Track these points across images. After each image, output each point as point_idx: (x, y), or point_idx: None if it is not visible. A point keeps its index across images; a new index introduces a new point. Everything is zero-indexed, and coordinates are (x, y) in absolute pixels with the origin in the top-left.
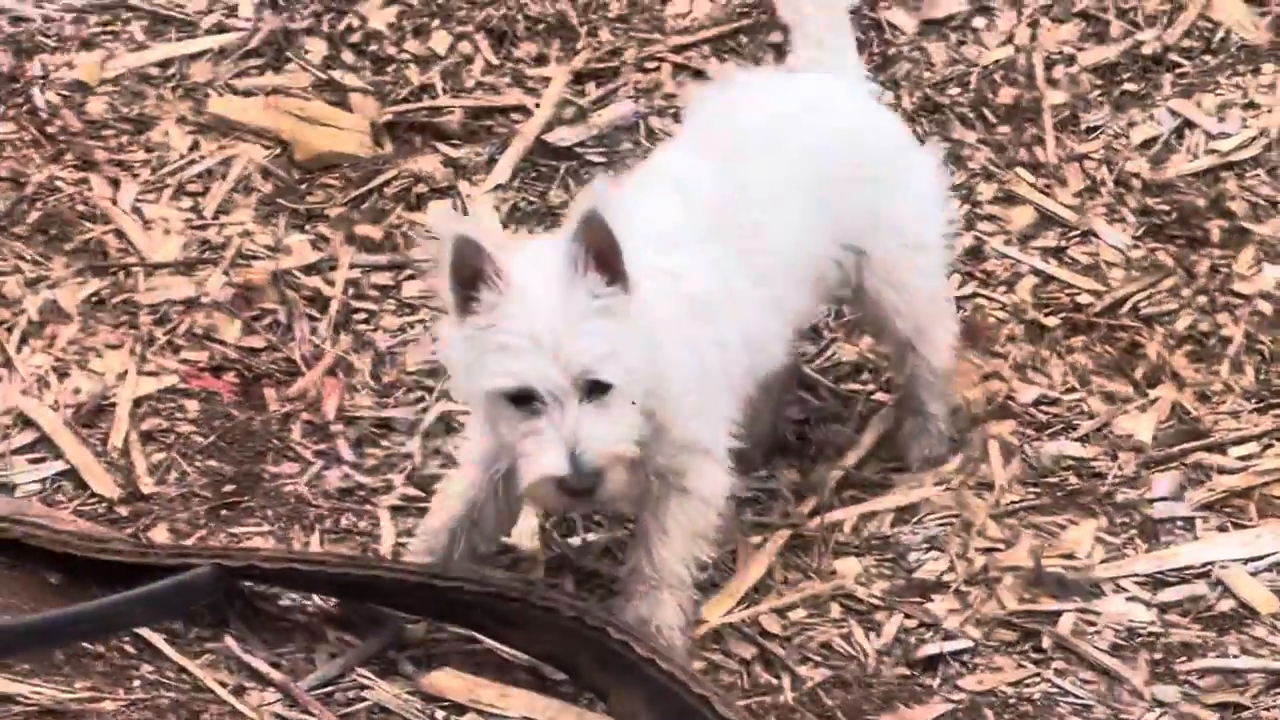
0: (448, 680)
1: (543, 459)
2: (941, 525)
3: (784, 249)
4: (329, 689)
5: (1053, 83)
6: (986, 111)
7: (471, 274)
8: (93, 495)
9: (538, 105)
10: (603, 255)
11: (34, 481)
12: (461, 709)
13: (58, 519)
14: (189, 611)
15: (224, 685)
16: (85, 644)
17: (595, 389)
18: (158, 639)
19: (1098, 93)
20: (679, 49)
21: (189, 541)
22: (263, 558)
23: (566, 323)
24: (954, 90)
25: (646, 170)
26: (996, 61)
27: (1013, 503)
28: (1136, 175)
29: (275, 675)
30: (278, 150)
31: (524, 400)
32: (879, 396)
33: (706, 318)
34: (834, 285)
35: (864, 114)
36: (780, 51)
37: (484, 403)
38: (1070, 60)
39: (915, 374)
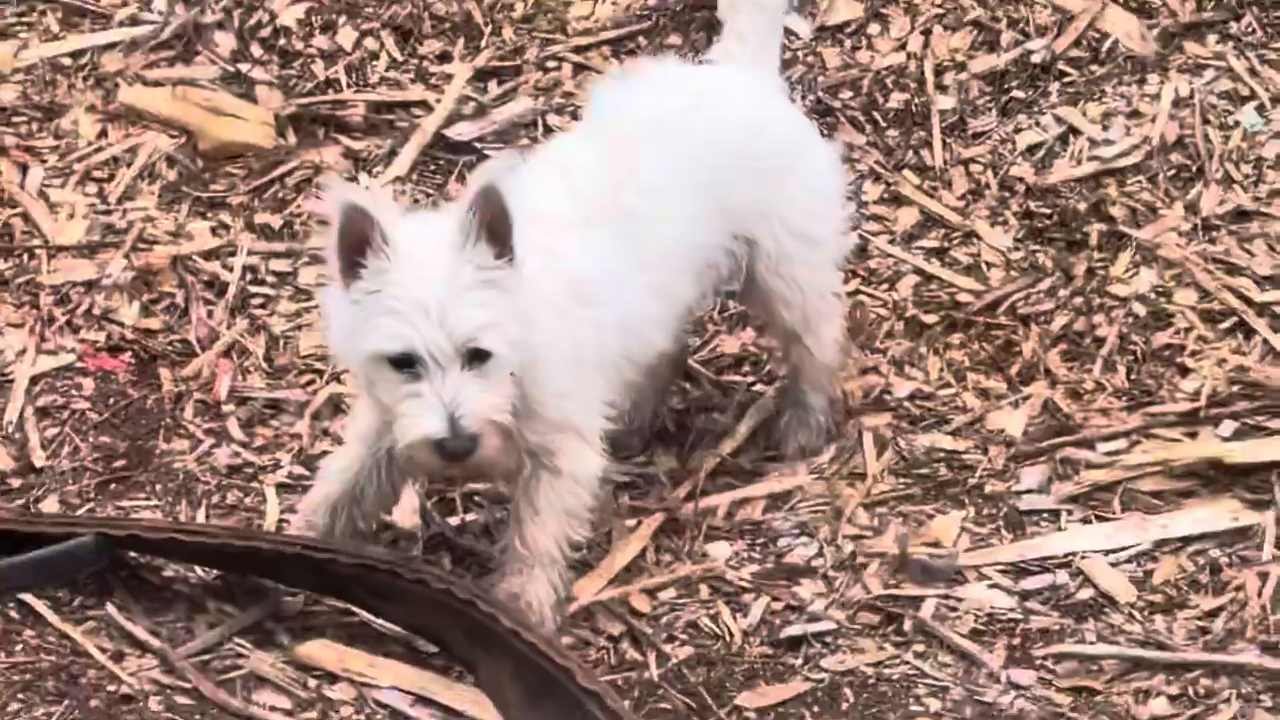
0: (320, 650)
1: (421, 421)
2: (813, 512)
3: (668, 236)
4: (206, 657)
5: (942, 89)
6: (876, 115)
7: (359, 240)
8: None
9: (439, 101)
10: (494, 228)
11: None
12: (333, 678)
13: None
14: (73, 579)
15: (103, 651)
16: None
17: (476, 357)
18: (41, 605)
19: (986, 99)
20: (580, 49)
21: (77, 513)
22: (145, 527)
23: (452, 290)
24: (846, 94)
25: (538, 157)
26: (888, 67)
27: (884, 492)
28: (1020, 180)
29: (154, 642)
30: (183, 139)
31: (405, 364)
32: (759, 388)
33: (584, 299)
34: (725, 275)
35: (761, 106)
36: (681, 53)
37: (365, 366)
38: (961, 67)
39: (799, 366)
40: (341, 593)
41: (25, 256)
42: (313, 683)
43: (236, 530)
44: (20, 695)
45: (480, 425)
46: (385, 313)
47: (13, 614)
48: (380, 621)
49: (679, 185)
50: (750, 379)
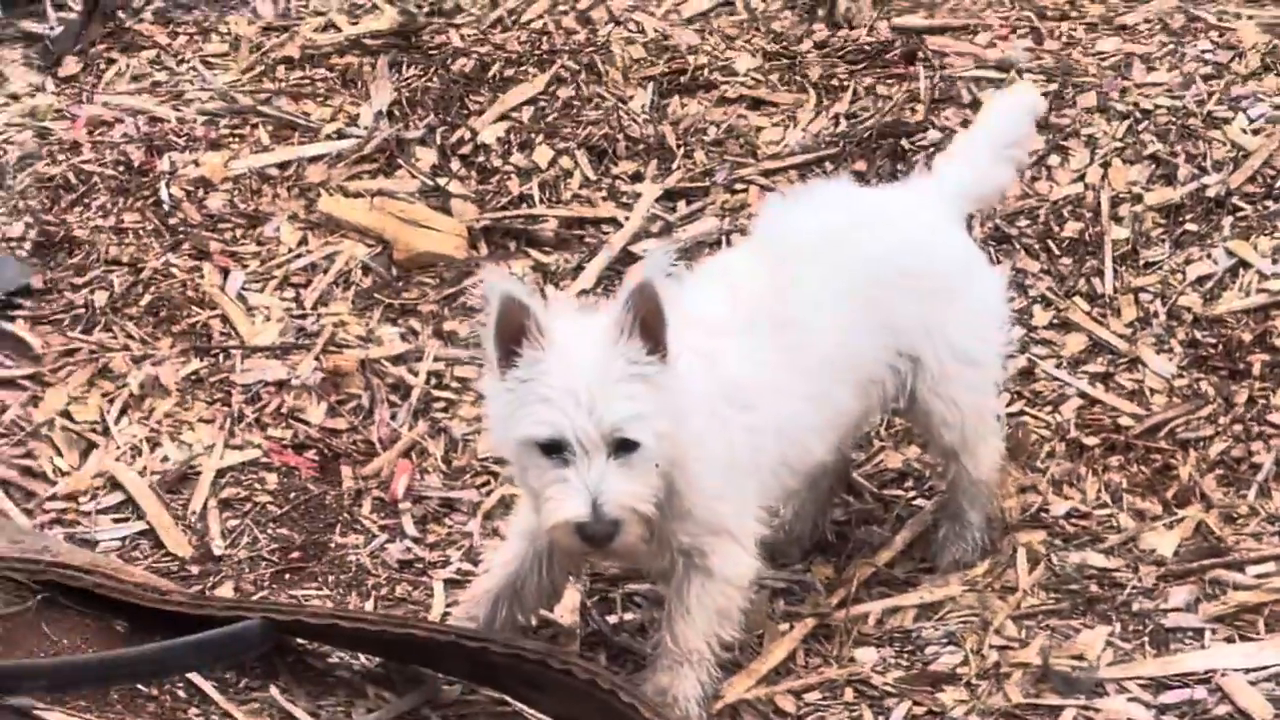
0: None
1: (565, 504)
2: (962, 623)
3: (827, 346)
4: None
5: (1117, 219)
6: (1051, 243)
7: (516, 330)
8: (167, 554)
9: (628, 218)
10: (648, 324)
11: (114, 539)
12: None
13: (127, 572)
14: (238, 661)
15: None
16: (140, 686)
17: (622, 447)
18: (207, 686)
19: (1160, 231)
20: (767, 173)
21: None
22: (308, 613)
23: (603, 381)
24: (1023, 222)
25: (703, 266)
26: (1066, 197)
27: (1033, 606)
28: (1188, 309)
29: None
30: (379, 249)
31: (555, 450)
32: (919, 502)
33: (740, 403)
34: (891, 392)
35: (929, 227)
36: (865, 179)
37: (517, 452)
38: (1137, 199)
39: (957, 482)
40: (493, 681)
41: (221, 356)
42: None
43: (394, 619)
44: None
45: (621, 511)
46: (537, 400)
47: (180, 693)
48: (531, 711)
49: (840, 297)
50: (911, 494)
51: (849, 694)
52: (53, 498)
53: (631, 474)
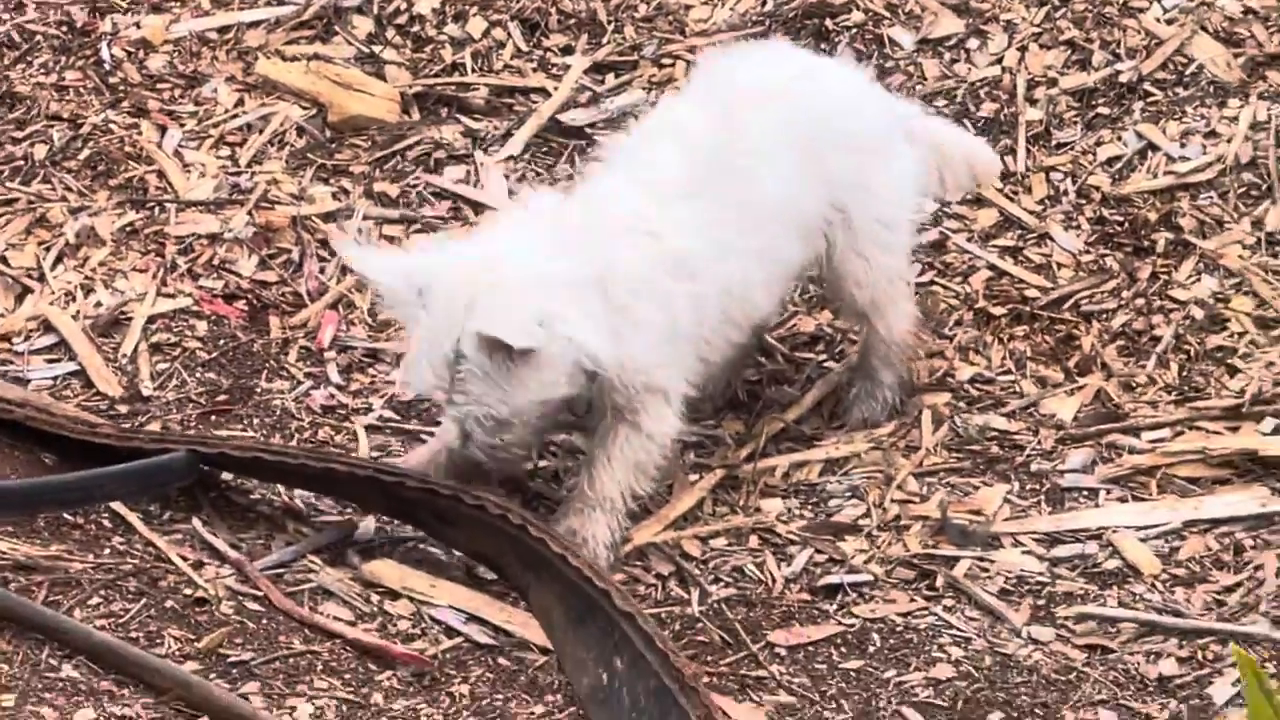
0: (385, 569)
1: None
2: (866, 478)
3: (774, 198)
4: (280, 570)
5: (1032, 101)
6: (967, 123)
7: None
8: (97, 394)
9: (557, 88)
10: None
11: (46, 378)
12: (395, 595)
13: (59, 408)
14: (164, 493)
15: (184, 559)
16: (65, 515)
17: None
18: (133, 517)
19: (1073, 114)
20: (694, 49)
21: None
22: (234, 446)
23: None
24: (941, 102)
25: (650, 120)
26: (983, 79)
27: (935, 464)
28: (1097, 188)
29: (232, 554)
30: (314, 111)
31: None
32: (829, 365)
33: (683, 275)
34: (825, 245)
35: (862, 90)
36: None
37: None
38: (1052, 83)
39: (870, 343)
40: (408, 516)
41: (156, 209)
42: (375, 598)
43: (316, 453)
44: (102, 592)
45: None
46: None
47: (104, 521)
48: (443, 551)
49: (783, 147)
50: (823, 357)
51: (754, 541)
52: None
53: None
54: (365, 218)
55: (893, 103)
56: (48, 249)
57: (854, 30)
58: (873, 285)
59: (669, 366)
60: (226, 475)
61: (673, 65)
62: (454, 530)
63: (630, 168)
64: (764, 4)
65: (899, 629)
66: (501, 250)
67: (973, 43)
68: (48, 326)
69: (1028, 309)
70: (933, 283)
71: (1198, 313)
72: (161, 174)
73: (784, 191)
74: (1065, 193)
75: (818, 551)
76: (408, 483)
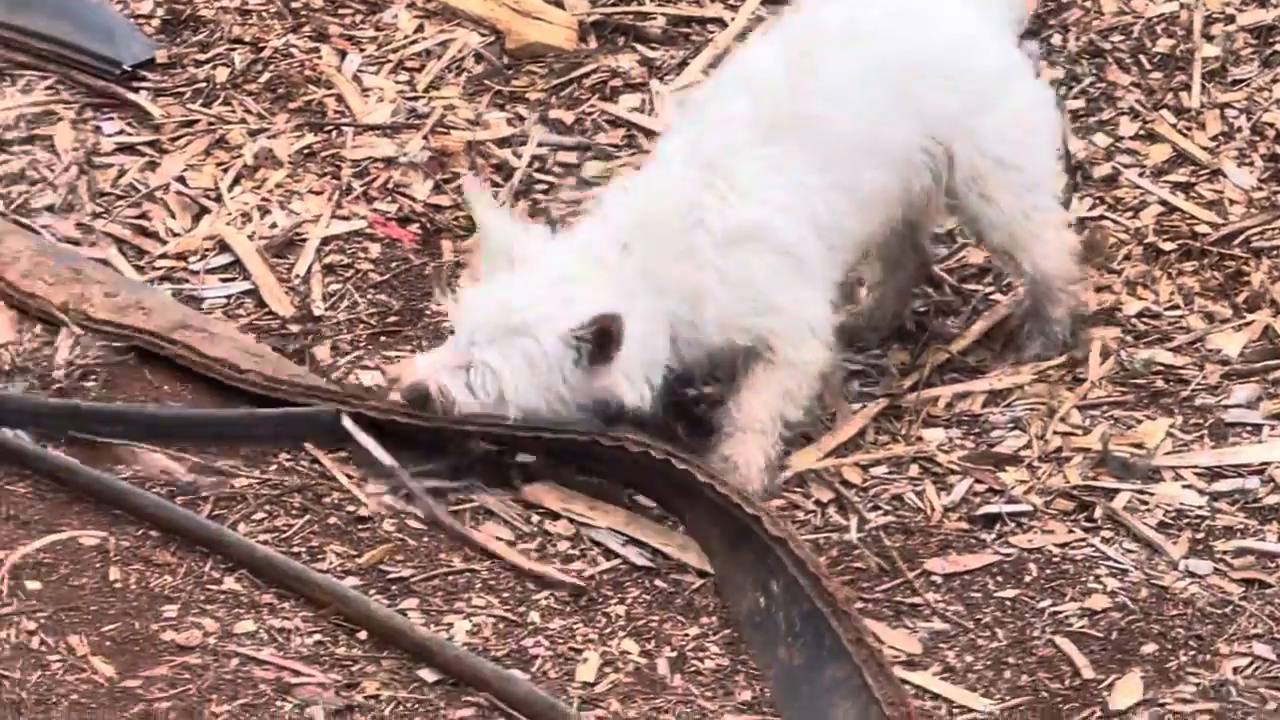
0: (545, 492)
1: None
2: (1028, 409)
3: (851, 132)
4: (442, 488)
5: (1209, 38)
6: (1143, 58)
7: None
8: (269, 313)
9: (733, 18)
10: None
11: (219, 296)
12: (555, 516)
13: (210, 345)
14: (304, 440)
15: (349, 477)
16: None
17: None
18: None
19: (1249, 50)
20: None
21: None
22: (370, 407)
23: None
24: (1117, 37)
25: (726, 69)
26: (1160, 15)
27: (1099, 397)
28: (1271, 125)
29: (396, 473)
30: (492, 38)
31: None
32: (996, 297)
33: (768, 239)
34: (931, 175)
35: (968, 33)
36: None
37: None
38: (1230, 20)
39: (1033, 280)
40: (555, 458)
41: (333, 133)
42: (536, 518)
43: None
44: (266, 507)
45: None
46: None
47: None
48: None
49: (864, 86)
50: (989, 289)
51: (914, 470)
52: (164, 256)
53: None
54: (540, 144)
55: (1006, 44)
56: (226, 170)
57: None
58: (1006, 226)
59: (787, 306)
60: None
61: None
62: (599, 467)
63: (703, 125)
64: None
65: (1056, 559)
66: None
67: None
68: (223, 246)
69: (1197, 245)
70: (1103, 217)
71: None
72: (340, 98)
73: (863, 127)
74: (1239, 129)
75: (977, 481)
76: (544, 435)
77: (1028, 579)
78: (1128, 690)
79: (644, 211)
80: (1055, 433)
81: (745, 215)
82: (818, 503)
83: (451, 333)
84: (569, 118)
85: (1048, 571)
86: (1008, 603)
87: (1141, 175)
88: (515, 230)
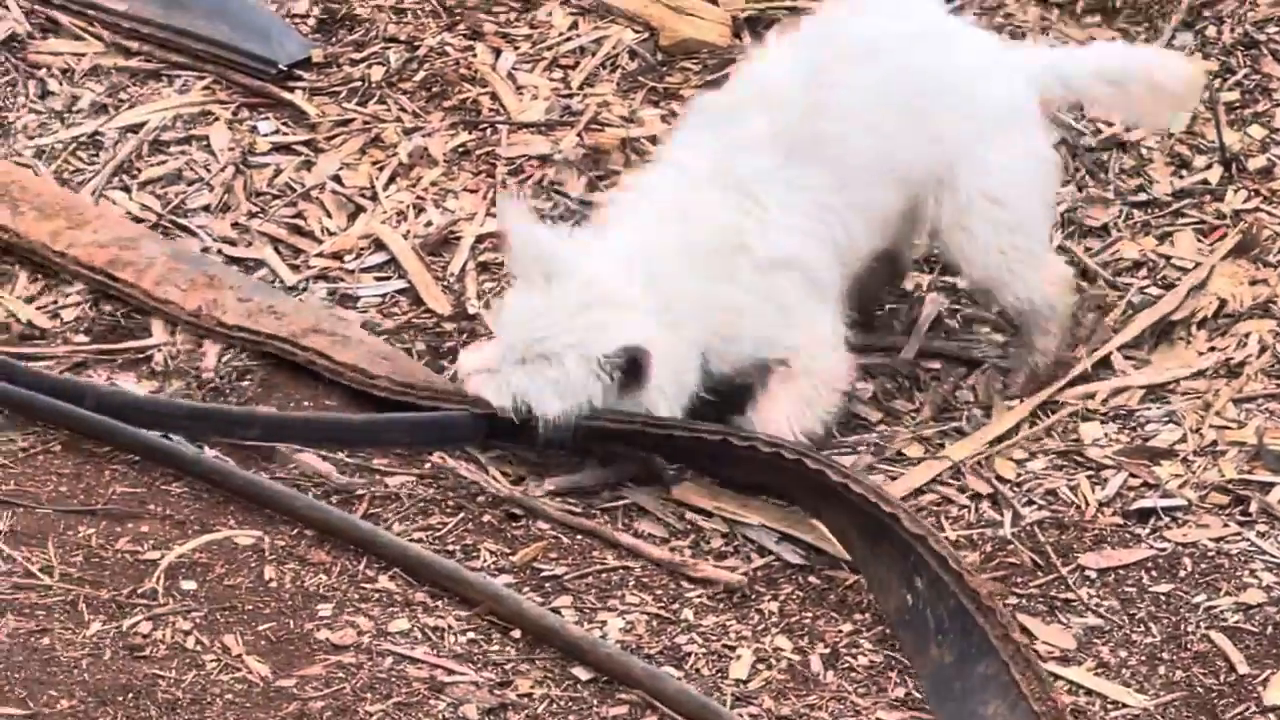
0: (696, 492)
1: None
2: (1185, 403)
3: (866, 152)
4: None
5: None
6: None
7: None
8: (425, 310)
9: None
10: None
11: (375, 295)
12: (707, 514)
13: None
14: (445, 444)
15: (505, 475)
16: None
17: None
18: None
19: None
20: None
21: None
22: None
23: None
24: (1272, 29)
25: (741, 79)
26: None
27: (1255, 391)
28: None
29: (550, 473)
30: (646, 35)
31: None
32: (1151, 290)
33: (779, 263)
34: (924, 192)
35: (987, 68)
36: None
37: None
38: None
39: (1019, 312)
40: (687, 460)
41: (488, 130)
42: (689, 516)
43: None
44: (420, 505)
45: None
46: None
47: None
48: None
49: (879, 103)
50: (1145, 282)
51: (1069, 464)
52: (319, 255)
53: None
54: None
55: (1021, 91)
56: (381, 168)
57: None
58: (985, 263)
59: (805, 322)
60: None
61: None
62: (732, 469)
63: (727, 144)
64: None
65: (1211, 554)
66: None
67: None
68: (379, 244)
69: None
70: (1258, 209)
71: None
72: (494, 96)
73: (877, 145)
74: None
75: (1132, 475)
76: (676, 433)
77: (1182, 574)
78: None
79: (683, 235)
80: (1210, 426)
81: (783, 242)
82: (972, 497)
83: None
84: None
85: (1202, 566)
86: (1162, 598)
87: None
88: (550, 240)
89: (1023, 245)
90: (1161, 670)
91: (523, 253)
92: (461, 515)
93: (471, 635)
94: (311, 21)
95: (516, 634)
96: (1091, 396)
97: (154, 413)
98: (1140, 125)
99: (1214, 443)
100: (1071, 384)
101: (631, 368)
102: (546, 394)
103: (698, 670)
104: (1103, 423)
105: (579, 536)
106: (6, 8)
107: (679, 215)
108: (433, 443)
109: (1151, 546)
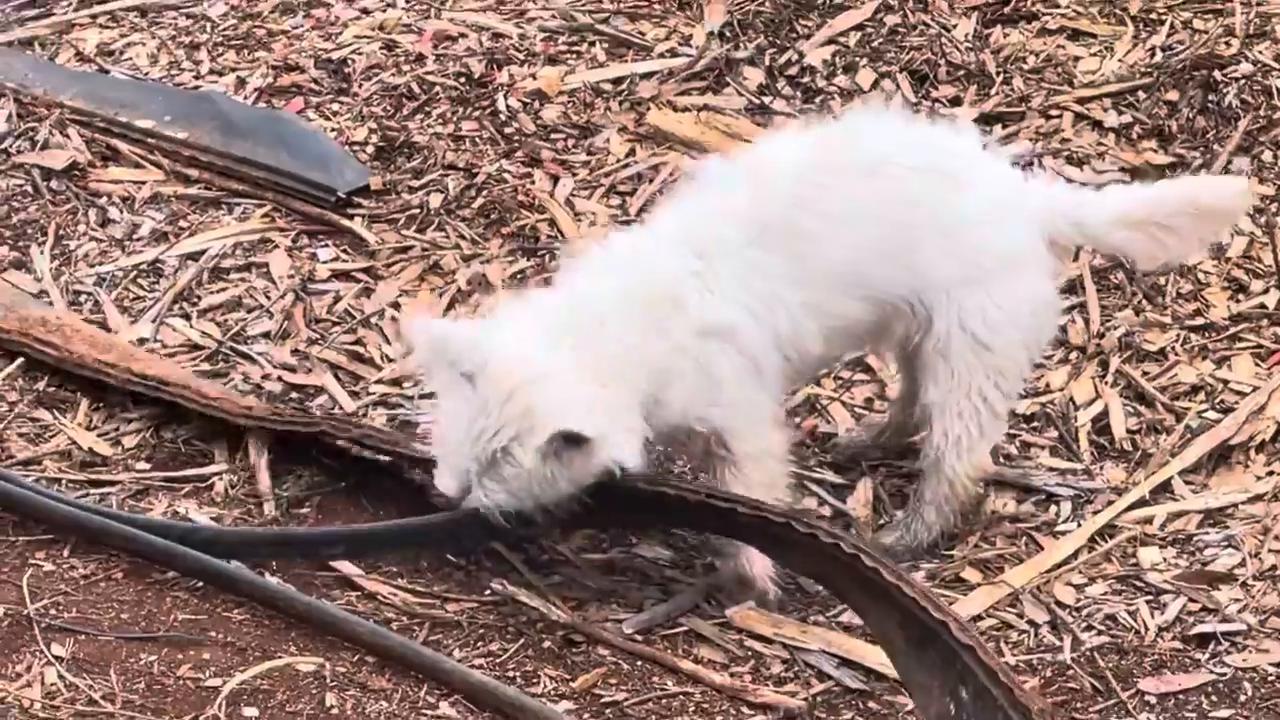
0: (756, 616)
1: None
2: (1243, 526)
3: (836, 260)
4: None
5: None
6: None
7: None
8: None
9: None
10: None
11: (430, 423)
12: (767, 640)
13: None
14: (522, 541)
15: (566, 600)
16: (449, 556)
17: None
18: (514, 559)
19: None
20: (1082, 100)
21: None
22: None
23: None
24: None
25: (751, 150)
26: None
27: None
28: None
29: (611, 605)
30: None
31: None
32: (1210, 415)
33: (724, 338)
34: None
35: (990, 206)
36: (1173, 108)
37: None
38: None
39: (926, 470)
40: (744, 539)
41: (546, 257)
42: (748, 642)
43: (647, 476)
44: (482, 630)
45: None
46: None
47: (485, 562)
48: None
49: (865, 221)
50: (1203, 407)
51: (1127, 589)
52: (379, 382)
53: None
54: None
55: (1027, 235)
56: (441, 295)
57: (1242, 81)
58: (944, 401)
59: (740, 404)
60: None
61: (1059, 117)
62: (789, 553)
63: (702, 208)
64: (1152, 55)
65: (1271, 679)
66: (538, 335)
67: None
68: None
69: None
70: None
71: None
72: (552, 222)
73: (849, 258)
74: None
75: (1191, 600)
76: (740, 509)
77: (1242, 698)
78: None
79: (625, 286)
80: (1269, 551)
81: (721, 313)
82: (1031, 622)
83: None
84: None
85: (1263, 691)
86: None
87: None
88: (459, 335)
89: (987, 399)
90: None
91: (436, 358)
92: (522, 641)
93: None
94: (370, 149)
95: None
96: (1150, 521)
97: (235, 543)
98: (1180, 258)
99: (1273, 567)
100: (1130, 509)
101: (572, 441)
102: (517, 491)
103: None
104: (1161, 547)
105: (639, 662)
106: (67, 136)
107: (628, 266)
108: (511, 537)
109: (1211, 671)
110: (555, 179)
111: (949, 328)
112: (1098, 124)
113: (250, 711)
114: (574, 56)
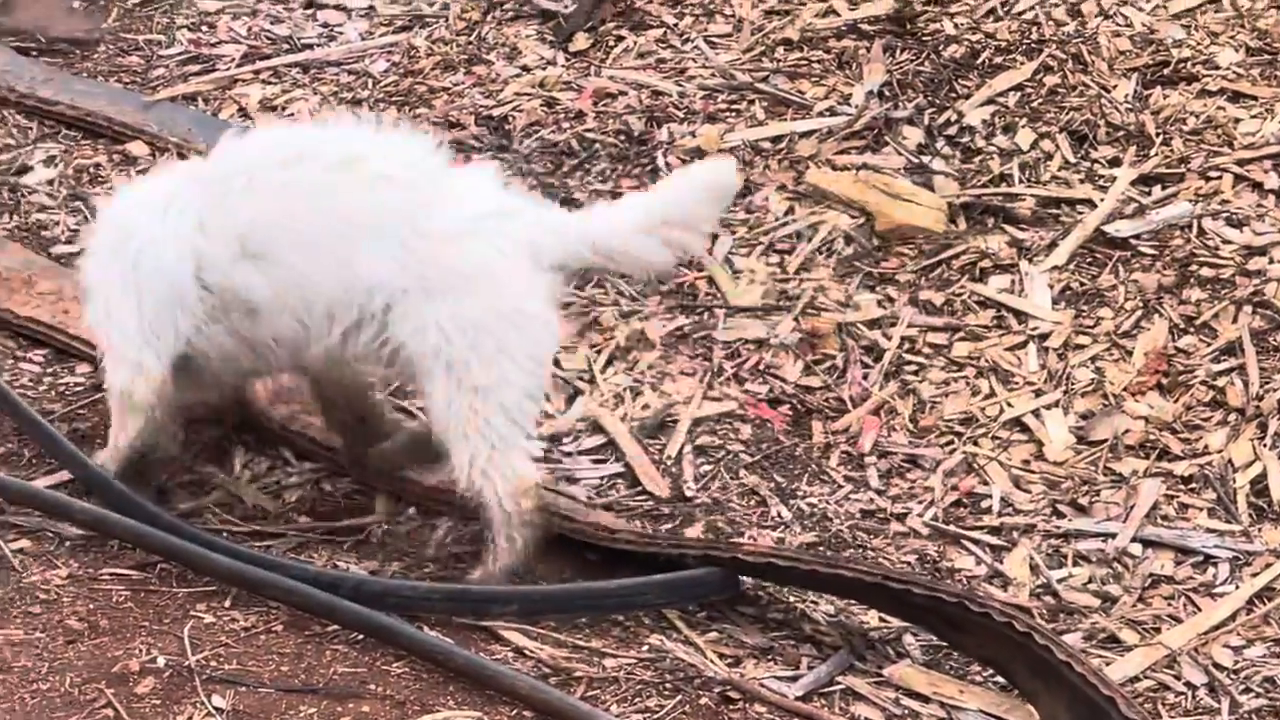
0: (914, 674)
1: None
2: None
3: (285, 283)
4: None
5: None
6: None
7: None
8: (642, 493)
9: (1103, 199)
10: None
11: (593, 478)
12: (924, 698)
13: (581, 515)
14: (699, 601)
15: (722, 657)
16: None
17: None
18: (672, 614)
19: None
20: (1242, 162)
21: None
22: (746, 551)
23: None
24: None
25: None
26: None
27: None
28: None
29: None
30: (862, 220)
31: None
32: None
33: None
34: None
35: (467, 226)
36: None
37: None
38: None
39: (465, 485)
40: (916, 620)
41: (705, 314)
42: (905, 701)
43: (825, 558)
44: (639, 685)
45: None
46: None
47: (644, 618)
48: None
49: (313, 238)
50: None
51: None
52: (539, 439)
53: None
54: (910, 325)
55: (511, 239)
56: (599, 352)
57: None
58: (441, 419)
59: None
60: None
61: (1220, 178)
62: (962, 635)
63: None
64: None
65: None
66: None
67: None
68: (597, 427)
69: None
70: None
71: None
72: (711, 280)
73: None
74: None
75: None
76: (914, 589)
77: None
78: None
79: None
80: None
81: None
82: (1188, 684)
83: None
84: (938, 299)
85: None
86: None
87: None
88: None
89: (483, 414)
90: None
91: None
92: (679, 698)
93: None
94: None
95: None
96: None
97: (407, 598)
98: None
99: None
100: None
101: None
102: None
103: None
104: None
105: (794, 718)
106: None
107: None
108: (686, 600)
109: None
110: (714, 236)
111: (419, 343)
112: (1257, 185)
113: None
114: (733, 115)
